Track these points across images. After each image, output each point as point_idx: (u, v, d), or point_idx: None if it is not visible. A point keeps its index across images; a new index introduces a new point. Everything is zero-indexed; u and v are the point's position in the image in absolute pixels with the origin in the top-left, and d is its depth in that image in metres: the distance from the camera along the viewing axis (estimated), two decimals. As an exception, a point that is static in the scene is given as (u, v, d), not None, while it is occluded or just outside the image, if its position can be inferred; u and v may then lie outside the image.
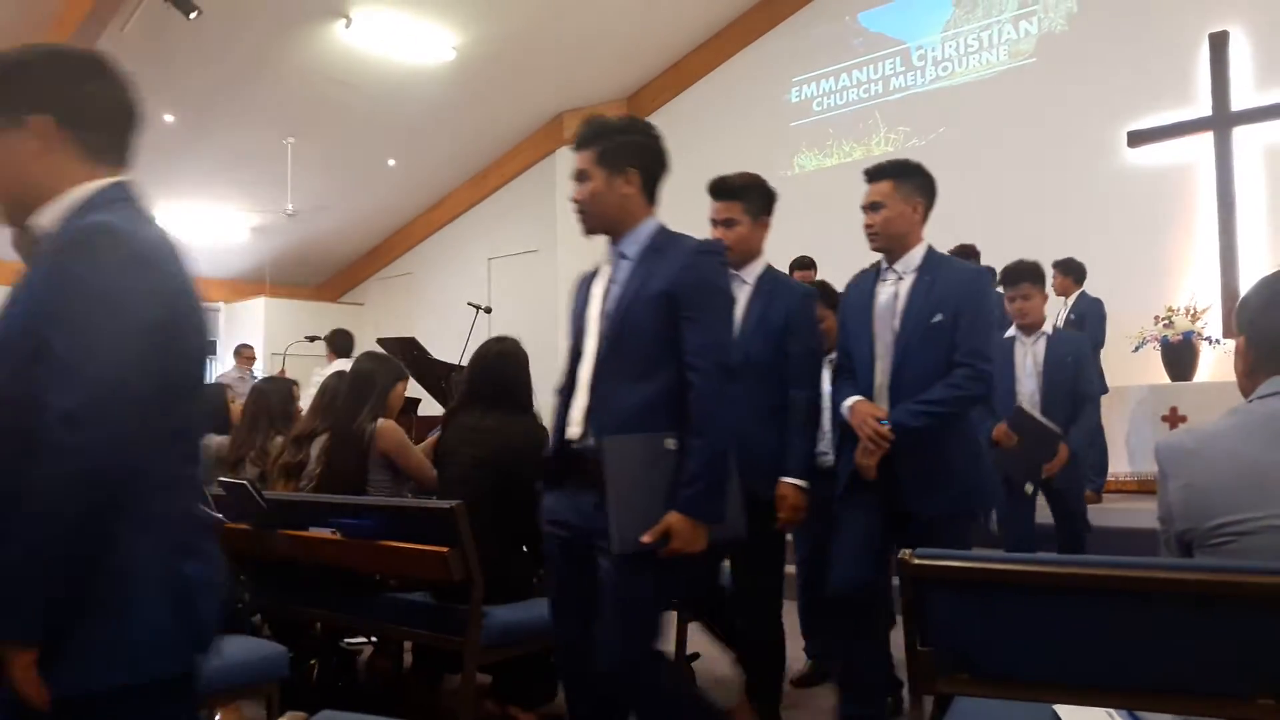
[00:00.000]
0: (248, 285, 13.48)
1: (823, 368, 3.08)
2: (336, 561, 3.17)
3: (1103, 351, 6.46)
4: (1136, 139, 7.95)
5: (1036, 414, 4.11)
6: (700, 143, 10.69)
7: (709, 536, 2.20)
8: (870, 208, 2.85)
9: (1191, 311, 7.02)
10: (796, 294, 3.02)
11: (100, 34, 8.34)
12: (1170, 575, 1.47)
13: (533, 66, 10.33)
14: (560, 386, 2.42)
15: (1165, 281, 7.61)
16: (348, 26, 9.12)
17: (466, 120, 10.98)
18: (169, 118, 10.05)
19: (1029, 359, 4.33)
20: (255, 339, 12.13)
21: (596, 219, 2.35)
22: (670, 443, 2.18)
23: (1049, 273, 6.65)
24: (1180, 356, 6.96)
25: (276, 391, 4.16)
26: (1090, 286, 6.65)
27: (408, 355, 6.45)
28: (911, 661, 1.66)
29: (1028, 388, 4.33)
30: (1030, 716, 1.78)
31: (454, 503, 2.76)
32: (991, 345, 2.86)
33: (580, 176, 2.34)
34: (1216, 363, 6.95)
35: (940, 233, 6.48)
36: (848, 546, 2.83)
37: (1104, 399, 6.48)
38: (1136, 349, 7.09)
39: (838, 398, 2.90)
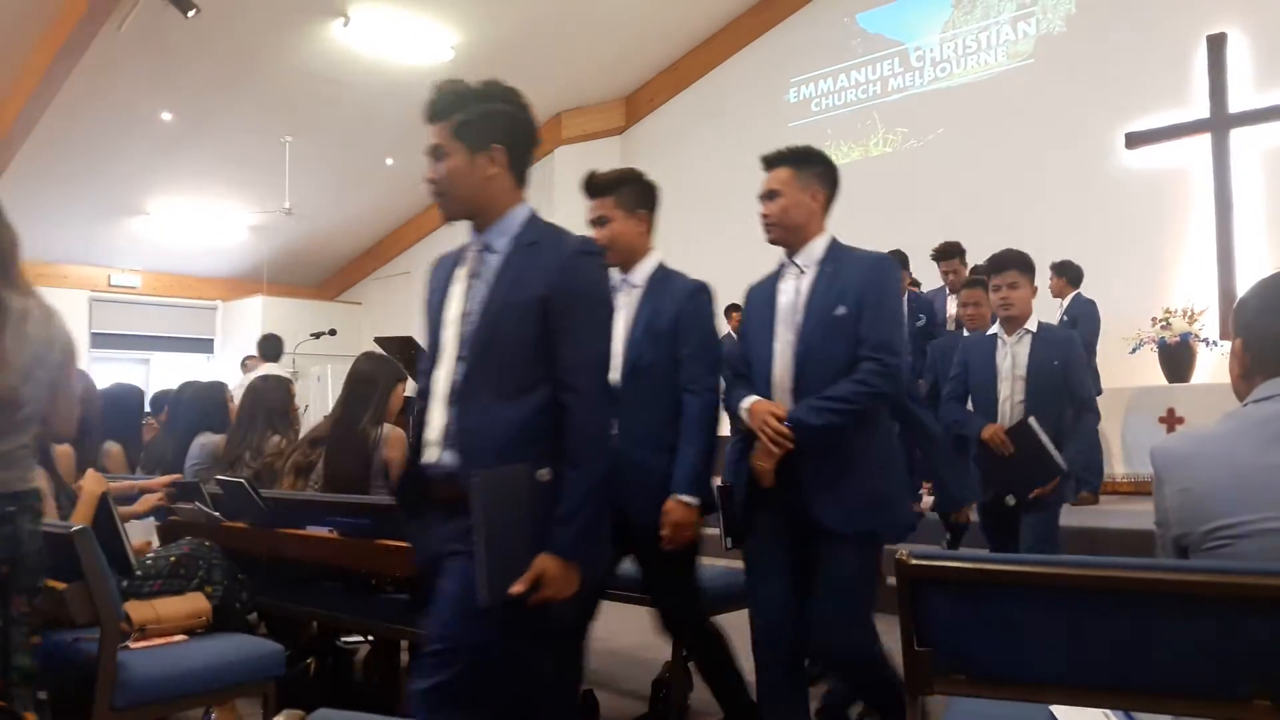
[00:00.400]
0: (245, 284, 13.47)
1: (719, 368, 2.85)
2: (334, 560, 3.17)
3: (1100, 353, 6.49)
4: (1134, 140, 7.96)
5: (1045, 437, 3.68)
6: (698, 143, 10.72)
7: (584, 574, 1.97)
8: (766, 196, 2.67)
9: (1189, 313, 7.04)
10: (685, 291, 2.77)
11: (98, 32, 8.33)
12: (1167, 576, 1.47)
13: (531, 66, 10.32)
14: (419, 391, 2.15)
15: (1162, 283, 7.62)
16: (346, 25, 9.12)
17: (464, 119, 10.97)
18: (167, 116, 10.04)
19: (1009, 360, 3.88)
20: (252, 338, 12.12)
21: (456, 204, 2.05)
22: (544, 474, 1.92)
23: (1045, 275, 6.73)
24: (1177, 358, 6.98)
25: (273, 390, 4.15)
26: (1088, 288, 6.67)
27: (405, 355, 6.45)
28: (908, 663, 1.66)
29: (1004, 392, 3.88)
30: (1027, 717, 1.78)
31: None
32: (901, 338, 2.63)
33: (435, 153, 2.04)
34: (1214, 364, 6.97)
35: (938, 233, 6.52)
36: (765, 589, 2.63)
37: (1100, 400, 6.49)
38: (1134, 350, 7.11)
39: (731, 404, 2.69)
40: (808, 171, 2.66)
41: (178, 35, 8.58)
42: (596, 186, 2.82)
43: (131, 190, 11.24)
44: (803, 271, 2.65)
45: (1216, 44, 7.63)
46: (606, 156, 11.67)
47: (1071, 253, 6.85)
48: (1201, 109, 7.68)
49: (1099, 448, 6.42)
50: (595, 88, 11.34)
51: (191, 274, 13.43)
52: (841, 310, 2.53)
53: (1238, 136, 7.53)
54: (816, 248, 2.65)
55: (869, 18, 9.86)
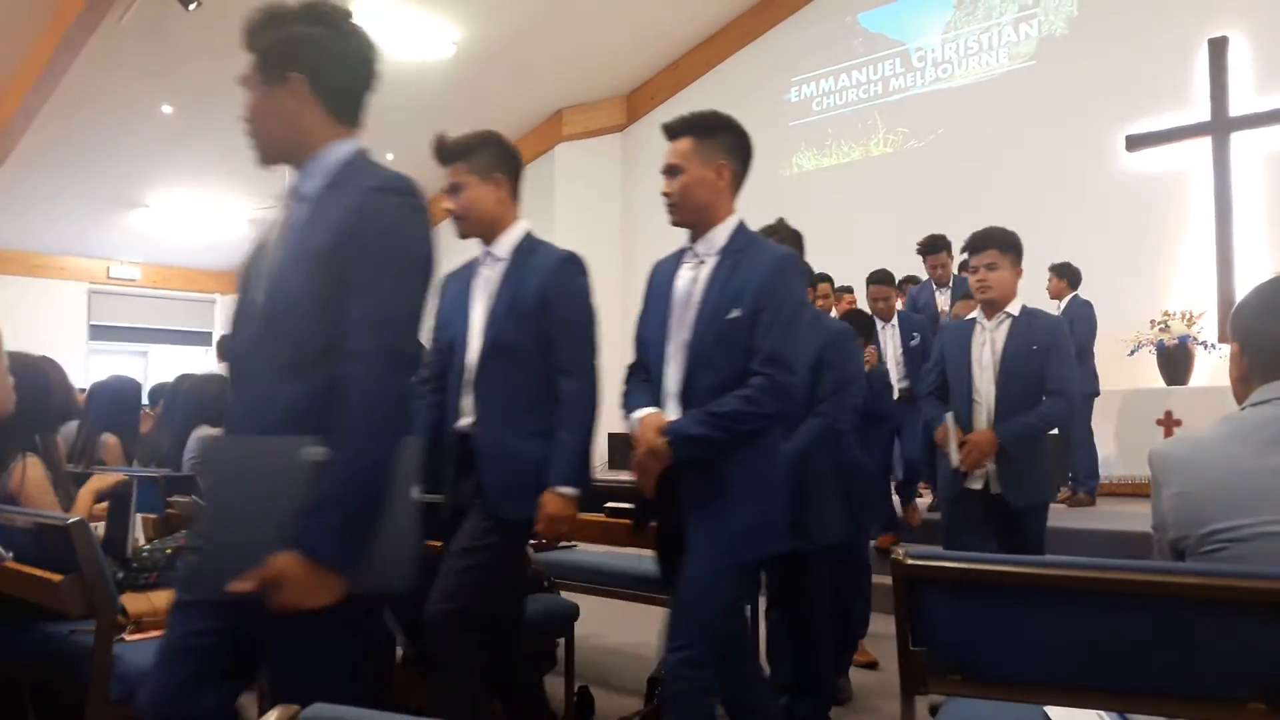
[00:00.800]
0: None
1: (596, 346, 2.55)
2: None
3: (1099, 355, 6.51)
4: (1135, 143, 7.97)
5: (952, 434, 3.41)
6: (699, 141, 10.71)
7: (354, 585, 1.57)
8: (667, 172, 2.38)
9: (1187, 316, 7.05)
10: (552, 263, 2.50)
11: (99, 24, 8.32)
12: (1163, 578, 1.47)
13: (533, 63, 10.33)
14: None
15: (1161, 286, 7.63)
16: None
17: (466, 116, 10.92)
18: (167, 109, 10.03)
19: (987, 348, 3.48)
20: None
21: (261, 144, 1.76)
22: (315, 453, 1.56)
23: (1044, 276, 6.74)
24: (1176, 360, 7.00)
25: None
26: (1087, 289, 6.68)
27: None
28: (904, 662, 1.66)
29: (982, 383, 3.48)
30: (1021, 717, 1.78)
31: (443, 497, 2.75)
32: (797, 350, 2.31)
33: (244, 84, 1.76)
34: (1212, 367, 6.98)
35: (937, 233, 6.49)
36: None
37: (1098, 401, 6.52)
38: (1132, 353, 7.12)
39: (627, 406, 2.41)
40: (712, 142, 2.37)
41: (179, 28, 8.57)
42: (446, 152, 2.57)
43: (131, 183, 11.23)
44: (702, 261, 2.37)
45: (1218, 47, 7.63)
46: (607, 154, 11.67)
47: (1071, 254, 6.85)
48: (1202, 112, 7.68)
49: (1094, 450, 6.43)
50: (596, 85, 11.33)
51: (191, 267, 13.42)
52: (735, 313, 2.26)
53: (1238, 140, 7.54)
54: (720, 234, 2.37)
55: (870, 17, 9.85)
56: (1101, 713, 1.68)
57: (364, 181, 1.68)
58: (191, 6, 8.11)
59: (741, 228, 2.39)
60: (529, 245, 2.57)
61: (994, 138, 8.76)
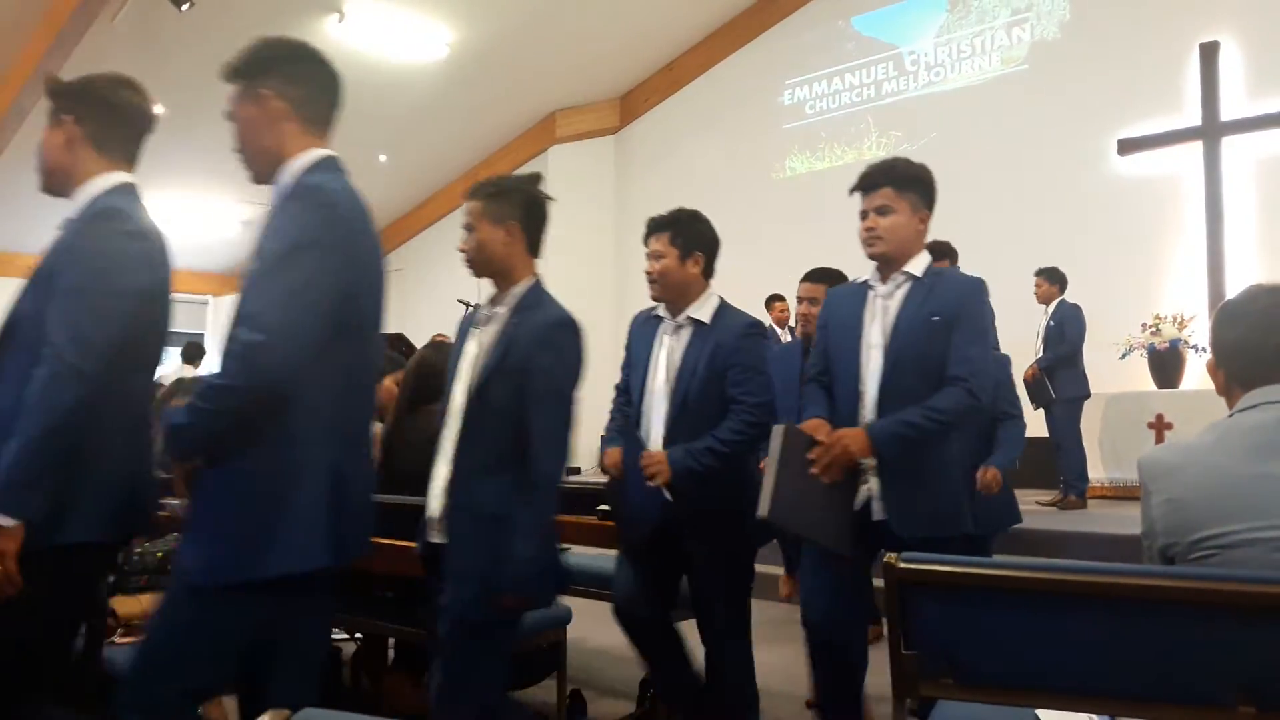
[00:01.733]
0: (237, 279, 13.44)
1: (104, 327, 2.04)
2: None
3: (1090, 358, 6.54)
4: (1126, 147, 7.99)
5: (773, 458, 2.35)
6: (692, 144, 10.72)
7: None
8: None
9: (1178, 319, 7.07)
10: (77, 219, 2.16)
11: (91, 24, 8.30)
12: (1154, 582, 1.48)
13: (526, 65, 10.32)
14: None
15: (1153, 289, 7.66)
16: (340, 21, 9.09)
17: (459, 117, 10.96)
18: (159, 109, 9.99)
19: (877, 322, 2.57)
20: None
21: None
22: None
23: (1030, 280, 6.75)
24: (1167, 364, 7.02)
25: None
26: (1079, 293, 6.70)
27: (395, 351, 6.45)
28: (895, 665, 1.67)
29: (870, 364, 2.54)
30: (1013, 721, 1.79)
31: (441, 500, 2.74)
32: (280, 304, 1.89)
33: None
34: (1203, 371, 6.97)
35: (929, 236, 6.53)
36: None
37: (1089, 404, 6.53)
38: (1124, 356, 7.14)
39: None
40: (253, 86, 2.14)
41: (171, 29, 8.55)
42: (48, 92, 2.28)
43: (123, 184, 11.21)
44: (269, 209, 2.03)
45: (1209, 52, 7.66)
46: (600, 157, 11.66)
47: (1063, 258, 6.87)
48: (1194, 116, 7.71)
49: (1083, 454, 6.44)
50: (590, 87, 11.33)
51: (183, 268, 13.28)
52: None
53: (1229, 144, 7.57)
54: (284, 179, 2.06)
55: (864, 21, 9.87)
56: (1092, 716, 1.69)
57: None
58: (184, 7, 8.10)
59: (317, 167, 2.06)
60: (96, 202, 2.20)
61: (986, 141, 8.78)
